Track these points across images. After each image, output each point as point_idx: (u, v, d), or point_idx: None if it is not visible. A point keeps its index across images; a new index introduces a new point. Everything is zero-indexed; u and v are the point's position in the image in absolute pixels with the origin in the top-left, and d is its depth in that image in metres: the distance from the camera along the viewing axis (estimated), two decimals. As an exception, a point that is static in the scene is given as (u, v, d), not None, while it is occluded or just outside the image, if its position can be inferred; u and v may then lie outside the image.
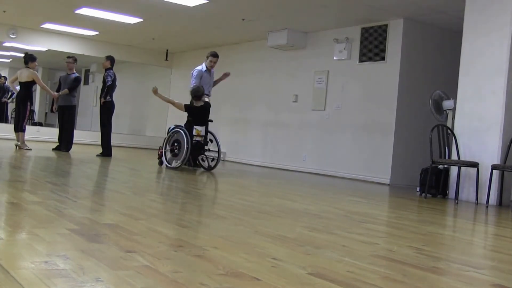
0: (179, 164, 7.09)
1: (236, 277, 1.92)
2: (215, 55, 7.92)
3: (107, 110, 8.88)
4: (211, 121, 7.61)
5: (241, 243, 2.61)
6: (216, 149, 7.55)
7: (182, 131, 7.18)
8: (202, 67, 7.88)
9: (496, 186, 5.99)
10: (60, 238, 2.34)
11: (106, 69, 8.88)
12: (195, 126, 7.33)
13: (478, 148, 6.18)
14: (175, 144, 7.32)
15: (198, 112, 7.44)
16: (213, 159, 7.56)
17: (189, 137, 7.12)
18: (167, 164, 7.31)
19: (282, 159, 10.06)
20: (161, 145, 7.63)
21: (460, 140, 6.38)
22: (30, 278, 1.70)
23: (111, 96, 8.80)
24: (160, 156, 7.68)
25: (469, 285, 2.15)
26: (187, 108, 7.51)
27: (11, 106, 15.43)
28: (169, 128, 7.63)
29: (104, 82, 8.80)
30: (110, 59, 8.94)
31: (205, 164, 7.62)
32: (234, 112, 11.40)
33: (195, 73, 7.84)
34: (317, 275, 2.06)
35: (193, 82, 7.74)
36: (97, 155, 8.76)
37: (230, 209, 4.15)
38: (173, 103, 7.85)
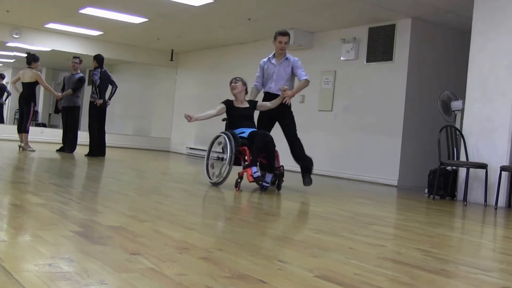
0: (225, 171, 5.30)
1: (242, 279, 1.90)
2: (283, 33, 5.89)
3: (99, 110, 8.88)
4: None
5: (247, 245, 2.58)
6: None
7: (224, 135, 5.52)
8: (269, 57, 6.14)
9: (505, 188, 5.94)
10: (64, 240, 2.32)
11: (95, 68, 8.85)
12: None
13: (486, 149, 6.12)
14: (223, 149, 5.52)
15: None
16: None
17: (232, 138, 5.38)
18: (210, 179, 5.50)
19: (288, 160, 10.01)
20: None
21: (468, 141, 6.32)
22: (34, 280, 1.68)
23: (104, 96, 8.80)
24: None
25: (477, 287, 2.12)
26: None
27: (12, 107, 15.47)
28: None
29: (93, 82, 8.81)
30: (96, 58, 8.90)
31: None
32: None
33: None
34: (324, 277, 2.03)
35: (257, 76, 6.31)
36: (85, 155, 8.72)
37: (236, 211, 4.12)
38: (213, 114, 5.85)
